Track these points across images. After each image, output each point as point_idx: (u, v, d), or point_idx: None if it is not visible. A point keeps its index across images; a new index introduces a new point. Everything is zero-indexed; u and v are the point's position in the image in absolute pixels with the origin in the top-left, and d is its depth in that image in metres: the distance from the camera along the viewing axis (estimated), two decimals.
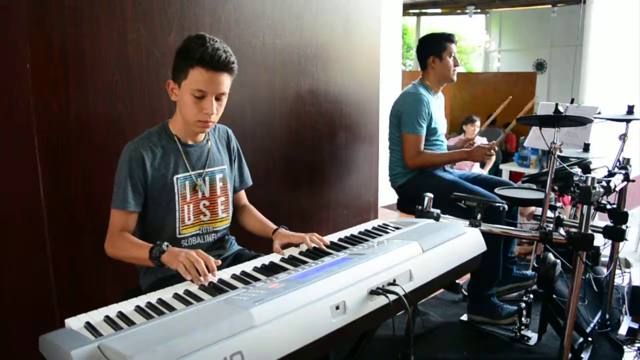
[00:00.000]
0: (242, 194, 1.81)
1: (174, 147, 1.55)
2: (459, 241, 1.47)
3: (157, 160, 1.50)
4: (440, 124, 2.63)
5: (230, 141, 1.71)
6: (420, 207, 1.97)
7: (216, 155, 1.64)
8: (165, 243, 1.39)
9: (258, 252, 1.66)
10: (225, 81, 1.46)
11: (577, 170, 2.18)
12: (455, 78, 2.63)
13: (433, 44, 2.60)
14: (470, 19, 10.98)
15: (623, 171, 2.33)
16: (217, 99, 1.47)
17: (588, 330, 2.33)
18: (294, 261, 1.43)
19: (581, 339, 2.24)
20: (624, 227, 2.12)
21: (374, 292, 1.15)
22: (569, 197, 3.29)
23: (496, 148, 2.48)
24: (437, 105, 2.63)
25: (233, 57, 1.45)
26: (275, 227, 1.65)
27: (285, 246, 1.56)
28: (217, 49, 1.41)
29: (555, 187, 2.22)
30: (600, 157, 2.38)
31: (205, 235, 1.61)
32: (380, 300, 1.16)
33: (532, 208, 2.60)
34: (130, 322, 1.07)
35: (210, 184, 1.61)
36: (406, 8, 10.09)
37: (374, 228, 1.69)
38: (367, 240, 1.52)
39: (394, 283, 1.20)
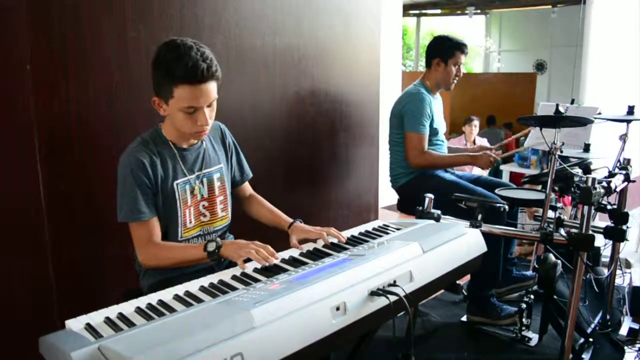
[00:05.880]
0: (246, 184, 1.80)
1: (170, 152, 1.52)
2: (459, 242, 1.47)
3: (158, 167, 1.48)
4: (440, 124, 2.64)
5: (224, 137, 1.70)
6: (420, 208, 1.97)
7: (212, 155, 1.63)
8: (218, 238, 1.44)
9: None
10: (213, 88, 1.41)
11: (577, 170, 2.17)
12: (452, 87, 2.64)
13: (443, 47, 2.58)
14: (470, 20, 11.00)
15: (623, 172, 2.33)
16: (208, 105, 1.43)
17: (589, 330, 2.33)
18: (294, 262, 1.42)
19: (582, 340, 2.24)
20: (624, 227, 2.12)
21: (374, 293, 1.15)
22: (570, 198, 3.28)
23: (500, 158, 2.55)
24: (436, 105, 2.63)
25: (213, 61, 1.39)
26: (290, 220, 1.65)
27: (302, 241, 1.54)
28: (195, 60, 1.34)
29: (556, 188, 2.22)
30: (601, 158, 2.38)
31: (206, 236, 1.61)
32: (381, 301, 1.16)
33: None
34: (130, 324, 1.07)
35: (209, 184, 1.60)
36: (406, 8, 10.09)
37: (374, 229, 1.68)
38: (367, 241, 1.52)
39: (394, 284, 1.20)
